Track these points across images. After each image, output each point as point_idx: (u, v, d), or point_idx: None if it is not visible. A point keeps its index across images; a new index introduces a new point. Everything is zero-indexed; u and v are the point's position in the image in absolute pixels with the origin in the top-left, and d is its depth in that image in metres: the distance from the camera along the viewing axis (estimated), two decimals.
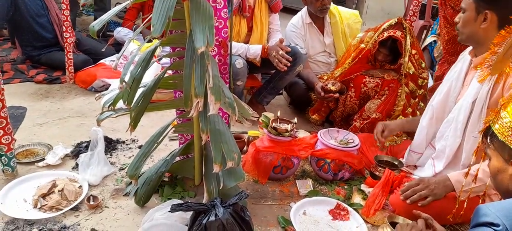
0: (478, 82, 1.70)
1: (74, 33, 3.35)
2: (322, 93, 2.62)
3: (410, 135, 2.40)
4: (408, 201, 1.75)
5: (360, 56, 2.65)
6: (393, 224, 1.63)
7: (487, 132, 1.17)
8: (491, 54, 1.58)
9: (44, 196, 1.83)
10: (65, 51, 3.22)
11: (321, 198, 1.99)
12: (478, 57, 1.78)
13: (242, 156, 2.11)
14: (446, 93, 1.94)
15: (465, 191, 1.62)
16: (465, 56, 1.91)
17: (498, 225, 0.99)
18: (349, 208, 1.91)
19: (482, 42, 1.75)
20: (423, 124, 2.04)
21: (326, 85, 2.63)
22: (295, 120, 2.15)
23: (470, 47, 1.87)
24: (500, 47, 1.55)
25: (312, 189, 2.09)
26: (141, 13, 4.15)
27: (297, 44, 2.84)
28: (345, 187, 2.14)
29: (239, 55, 2.73)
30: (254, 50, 2.73)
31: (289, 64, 2.62)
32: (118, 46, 3.92)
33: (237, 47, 2.73)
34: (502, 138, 1.09)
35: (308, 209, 1.91)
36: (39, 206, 1.79)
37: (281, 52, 2.62)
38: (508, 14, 1.66)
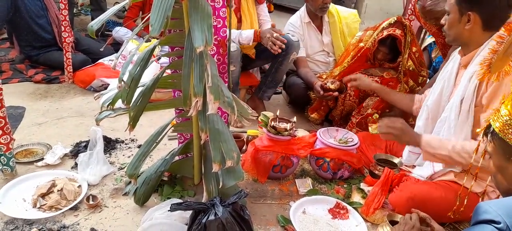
0: (478, 81, 1.70)
1: (72, 33, 3.35)
2: (322, 92, 2.62)
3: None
4: (380, 135, 1.88)
5: (359, 55, 2.65)
6: (393, 223, 1.64)
7: (488, 130, 1.17)
8: (492, 52, 1.58)
9: (43, 195, 1.83)
10: (64, 51, 3.21)
11: (320, 197, 1.99)
12: (466, 57, 1.81)
13: (241, 155, 2.11)
14: (440, 93, 1.95)
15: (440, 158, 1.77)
16: (455, 56, 1.93)
17: (499, 223, 0.99)
18: (349, 207, 1.91)
19: (468, 42, 1.79)
20: (419, 124, 2.05)
21: (325, 84, 2.63)
22: (294, 119, 2.15)
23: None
24: (500, 46, 1.55)
25: (311, 188, 2.09)
26: (141, 11, 4.13)
27: (288, 33, 2.83)
28: (345, 185, 2.14)
29: (232, 41, 2.71)
30: (247, 35, 2.71)
31: (283, 46, 2.59)
32: (117, 45, 3.91)
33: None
34: (502, 136, 1.09)
35: (308, 208, 1.91)
36: (38, 205, 1.79)
37: (275, 34, 2.59)
38: (491, 14, 1.70)
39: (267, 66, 3.09)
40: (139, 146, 2.36)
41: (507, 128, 1.09)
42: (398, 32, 2.49)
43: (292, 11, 4.89)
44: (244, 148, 2.37)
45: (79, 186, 1.93)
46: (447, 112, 1.86)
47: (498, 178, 1.17)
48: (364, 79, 2.46)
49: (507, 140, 1.08)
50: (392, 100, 2.39)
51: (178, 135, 2.12)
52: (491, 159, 1.18)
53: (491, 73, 1.61)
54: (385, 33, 2.51)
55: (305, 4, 2.98)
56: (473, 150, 1.60)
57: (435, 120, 1.96)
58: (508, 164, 1.10)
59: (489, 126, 1.16)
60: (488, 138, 1.16)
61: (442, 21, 1.86)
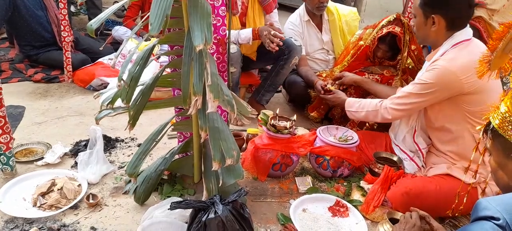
0: (477, 78, 1.71)
1: (72, 32, 3.35)
2: (323, 92, 2.62)
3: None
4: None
5: (358, 53, 2.65)
6: (392, 220, 1.64)
7: (487, 127, 1.17)
8: (491, 50, 1.58)
9: (43, 194, 1.83)
10: (63, 50, 3.21)
11: (320, 195, 2.00)
12: (430, 53, 1.93)
13: (241, 153, 2.11)
14: None
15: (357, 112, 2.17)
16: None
17: (498, 219, 0.99)
18: (349, 205, 1.92)
19: (435, 42, 1.89)
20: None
21: (326, 85, 2.63)
22: (294, 117, 2.15)
23: None
24: (499, 43, 1.55)
25: (311, 186, 2.09)
26: (141, 10, 4.13)
27: (291, 38, 2.83)
28: (345, 183, 2.14)
29: (231, 41, 2.71)
30: (245, 34, 2.71)
31: (281, 43, 2.59)
32: (116, 45, 3.91)
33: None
34: (502, 133, 1.10)
35: (308, 206, 1.91)
36: (38, 204, 1.79)
37: (273, 32, 2.58)
38: (454, 15, 1.77)
39: (268, 66, 3.09)
40: (139, 145, 2.36)
41: (506, 124, 1.09)
42: (397, 29, 2.49)
43: (292, 9, 4.88)
44: (244, 146, 2.37)
45: (79, 185, 1.93)
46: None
47: (498, 175, 1.17)
48: (346, 75, 2.59)
49: (507, 137, 1.08)
50: (376, 91, 2.45)
51: (178, 134, 2.12)
52: (491, 156, 1.18)
53: (491, 70, 1.61)
54: (385, 30, 2.51)
55: (304, 3, 2.97)
56: (375, 104, 2.05)
57: None
58: (508, 161, 1.10)
59: (489, 123, 1.16)
60: (488, 135, 1.16)
61: (411, 23, 1.93)
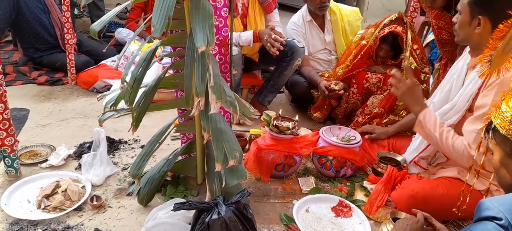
0: (478, 78, 1.69)
1: (75, 34, 3.36)
2: (327, 92, 2.63)
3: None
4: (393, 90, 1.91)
5: (361, 53, 2.64)
6: (396, 220, 1.63)
7: (489, 127, 1.17)
8: (490, 49, 1.57)
9: (47, 196, 1.84)
10: (67, 52, 3.23)
11: (323, 195, 1.99)
12: (473, 59, 1.78)
13: (244, 154, 2.12)
14: (448, 91, 1.94)
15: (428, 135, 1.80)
16: (466, 54, 1.90)
17: (500, 219, 0.99)
18: (352, 205, 1.91)
19: (477, 45, 1.76)
20: None
21: (329, 85, 2.64)
22: (297, 117, 2.15)
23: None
24: (499, 42, 1.54)
25: (314, 186, 2.09)
26: (143, 12, 4.15)
27: (294, 39, 2.83)
28: (348, 184, 2.14)
29: (234, 44, 2.71)
30: (246, 36, 2.71)
31: (281, 47, 2.59)
32: (119, 47, 3.92)
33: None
34: (503, 132, 1.10)
35: (311, 206, 1.91)
36: (42, 206, 1.80)
37: (274, 35, 2.58)
38: (502, 20, 1.67)
39: (270, 67, 3.09)
40: (142, 146, 2.37)
41: (507, 123, 1.09)
42: (399, 28, 2.49)
43: (292, 9, 4.89)
44: (247, 147, 2.37)
45: (83, 187, 1.94)
46: (449, 106, 1.87)
47: (500, 174, 1.17)
48: (377, 130, 2.40)
49: (508, 136, 1.08)
50: (411, 121, 2.29)
51: (181, 135, 2.13)
52: (493, 156, 1.18)
53: (492, 70, 1.61)
54: (386, 30, 2.51)
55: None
56: (458, 148, 1.71)
57: (441, 117, 1.96)
58: (509, 160, 1.10)
59: (491, 122, 1.16)
60: (490, 134, 1.17)
61: (454, 19, 1.84)
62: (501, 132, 1.10)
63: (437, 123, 1.80)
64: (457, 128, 1.83)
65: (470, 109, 1.78)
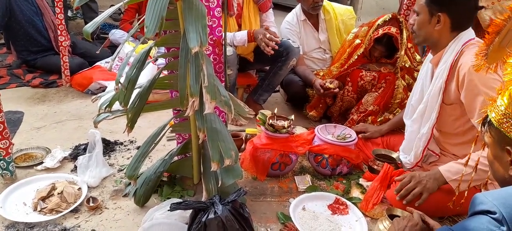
0: (475, 72, 1.71)
1: (69, 36, 3.35)
2: (322, 91, 2.63)
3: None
4: (404, 202, 1.74)
5: (355, 51, 2.65)
6: (392, 217, 1.64)
7: (485, 121, 1.19)
8: (487, 43, 1.58)
9: (43, 199, 1.84)
10: (61, 54, 3.22)
11: (320, 193, 2.00)
12: (435, 56, 1.87)
13: (240, 153, 2.12)
14: (421, 91, 1.99)
15: (465, 180, 1.60)
16: (429, 55, 1.98)
17: (495, 213, 1.00)
18: (348, 202, 1.92)
19: (437, 42, 1.84)
20: (408, 122, 2.07)
21: (324, 84, 2.65)
22: (292, 116, 2.16)
23: None
24: (496, 36, 1.56)
25: (310, 184, 2.10)
26: (138, 13, 4.14)
27: (289, 39, 2.84)
28: (344, 181, 2.15)
29: (227, 44, 2.71)
30: (240, 36, 2.72)
31: (276, 47, 2.59)
32: (114, 48, 3.91)
33: None
34: (498, 126, 1.11)
35: (307, 204, 1.92)
36: (39, 209, 1.80)
37: (268, 35, 2.59)
38: (460, 15, 1.73)
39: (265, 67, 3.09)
40: (138, 147, 2.37)
41: (502, 117, 1.10)
42: (393, 30, 2.49)
43: (286, 9, 4.89)
44: (243, 146, 2.38)
45: (79, 189, 1.94)
46: (423, 105, 1.92)
47: (494, 167, 1.18)
48: (371, 129, 2.39)
49: (502, 130, 1.09)
50: (394, 125, 2.38)
51: (177, 135, 2.13)
52: (489, 149, 1.19)
53: (488, 64, 1.62)
54: (381, 31, 2.51)
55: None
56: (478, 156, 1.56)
57: (420, 117, 1.98)
58: (503, 154, 1.11)
59: (486, 116, 1.18)
60: (485, 128, 1.18)
61: (411, 21, 1.89)
62: (495, 125, 1.11)
63: (454, 162, 1.75)
64: (440, 123, 1.88)
65: (445, 103, 1.83)
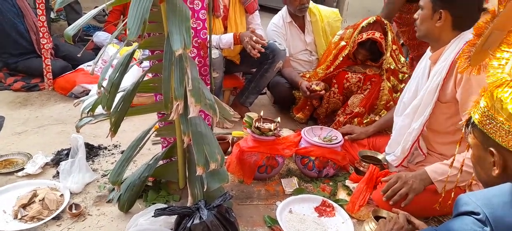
0: (459, 73, 1.73)
1: (51, 39, 3.28)
2: (308, 93, 2.64)
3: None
4: (390, 202, 1.76)
5: (343, 54, 2.65)
6: (378, 218, 1.65)
7: (468, 122, 1.20)
8: (470, 45, 1.60)
9: (24, 206, 1.79)
10: (43, 57, 3.15)
11: (306, 196, 2.00)
12: (435, 53, 1.88)
13: (226, 156, 2.10)
14: (415, 89, 1.99)
15: (451, 181, 1.62)
16: (428, 53, 1.98)
17: (478, 214, 1.01)
18: (335, 204, 1.92)
19: (437, 39, 1.86)
20: (396, 120, 2.08)
21: (311, 86, 2.65)
22: (278, 119, 2.15)
23: None
24: (478, 39, 1.57)
25: (297, 187, 2.09)
26: (122, 15, 4.08)
27: (275, 42, 2.83)
28: (330, 183, 2.15)
29: (213, 46, 2.70)
30: (227, 39, 2.70)
31: (262, 49, 2.59)
32: (98, 50, 3.84)
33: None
34: (481, 127, 1.12)
35: (294, 207, 1.91)
36: (19, 217, 1.75)
37: (254, 38, 2.58)
38: (462, 15, 1.76)
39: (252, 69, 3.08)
40: (122, 152, 2.32)
41: (485, 119, 1.11)
42: (377, 35, 2.50)
43: (272, 10, 4.89)
44: (229, 149, 2.36)
45: (61, 195, 1.89)
46: (417, 100, 1.92)
47: (477, 169, 1.19)
48: (357, 131, 2.41)
49: (485, 131, 1.10)
50: (389, 120, 2.34)
51: (162, 139, 2.10)
52: (472, 150, 1.20)
53: (472, 66, 1.63)
54: (365, 36, 2.53)
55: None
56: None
57: (413, 113, 2.00)
58: (486, 155, 1.12)
59: (470, 118, 1.19)
60: (469, 129, 1.19)
61: (415, 16, 1.91)
62: (478, 127, 1.12)
63: (440, 163, 1.78)
64: (431, 121, 1.88)
65: (441, 101, 1.84)
